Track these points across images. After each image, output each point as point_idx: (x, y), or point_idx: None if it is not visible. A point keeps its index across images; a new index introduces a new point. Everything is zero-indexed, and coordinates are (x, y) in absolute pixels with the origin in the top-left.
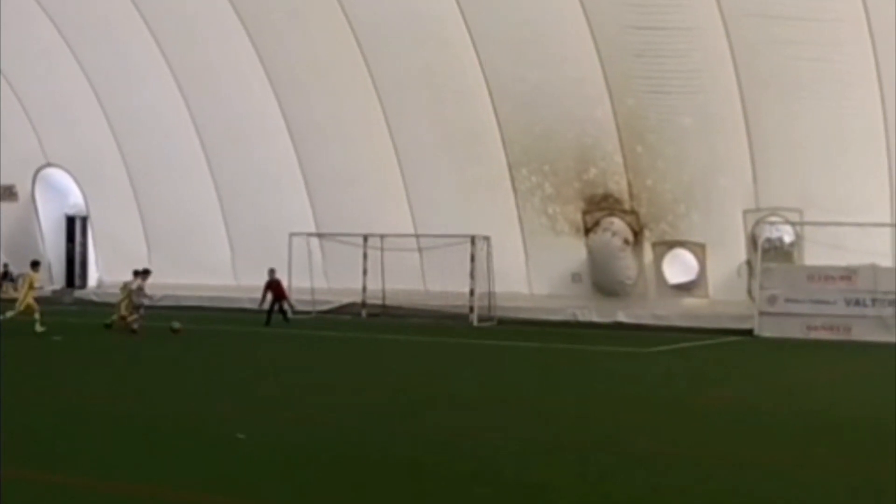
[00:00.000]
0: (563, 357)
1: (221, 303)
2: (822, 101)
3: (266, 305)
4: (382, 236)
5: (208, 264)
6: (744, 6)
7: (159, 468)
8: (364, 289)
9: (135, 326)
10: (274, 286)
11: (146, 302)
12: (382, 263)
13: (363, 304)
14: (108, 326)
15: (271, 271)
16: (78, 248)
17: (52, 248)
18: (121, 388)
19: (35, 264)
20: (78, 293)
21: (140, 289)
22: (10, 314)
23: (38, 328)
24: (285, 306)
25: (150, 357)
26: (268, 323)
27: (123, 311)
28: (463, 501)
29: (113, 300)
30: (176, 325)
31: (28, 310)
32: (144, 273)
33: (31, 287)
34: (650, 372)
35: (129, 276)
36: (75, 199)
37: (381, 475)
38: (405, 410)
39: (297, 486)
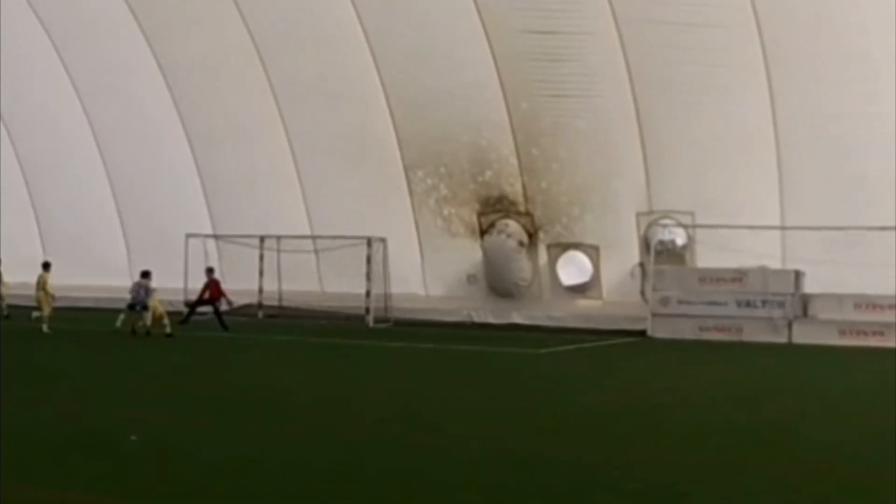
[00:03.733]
0: (456, 358)
1: (118, 304)
2: (713, 106)
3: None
4: (279, 237)
5: (104, 265)
6: (637, 12)
7: (48, 471)
8: (261, 290)
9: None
10: (212, 287)
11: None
12: (279, 265)
13: (260, 306)
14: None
15: (209, 270)
16: None
17: None
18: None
19: (46, 265)
20: None
21: (140, 289)
22: (45, 326)
23: (43, 327)
24: (221, 307)
25: (38, 359)
26: (225, 327)
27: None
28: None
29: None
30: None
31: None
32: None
33: (44, 288)
34: (543, 373)
35: (24, 277)
36: None
37: (266, 476)
38: (294, 412)
39: (187, 487)
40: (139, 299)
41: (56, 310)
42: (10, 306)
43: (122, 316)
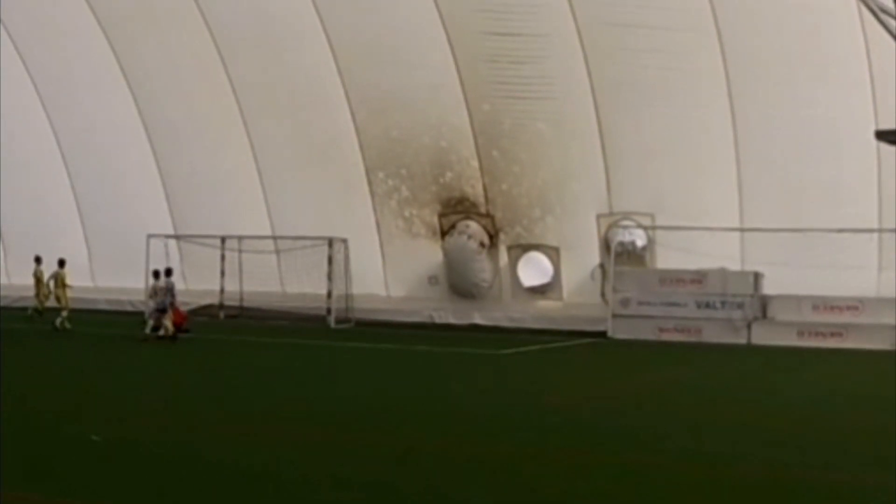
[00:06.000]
0: (417, 359)
1: (79, 304)
2: (673, 109)
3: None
4: (240, 238)
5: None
6: (597, 14)
7: (12, 472)
8: (222, 290)
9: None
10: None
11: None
12: (240, 265)
13: (221, 306)
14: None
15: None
16: None
17: None
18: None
19: (62, 263)
20: None
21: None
22: (62, 319)
23: (66, 324)
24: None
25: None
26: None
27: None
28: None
29: None
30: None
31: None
32: (167, 273)
33: (64, 285)
34: (502, 374)
35: None
36: None
37: (229, 478)
38: (246, 416)
39: (151, 487)
40: (166, 302)
41: (20, 310)
42: None
43: (166, 323)
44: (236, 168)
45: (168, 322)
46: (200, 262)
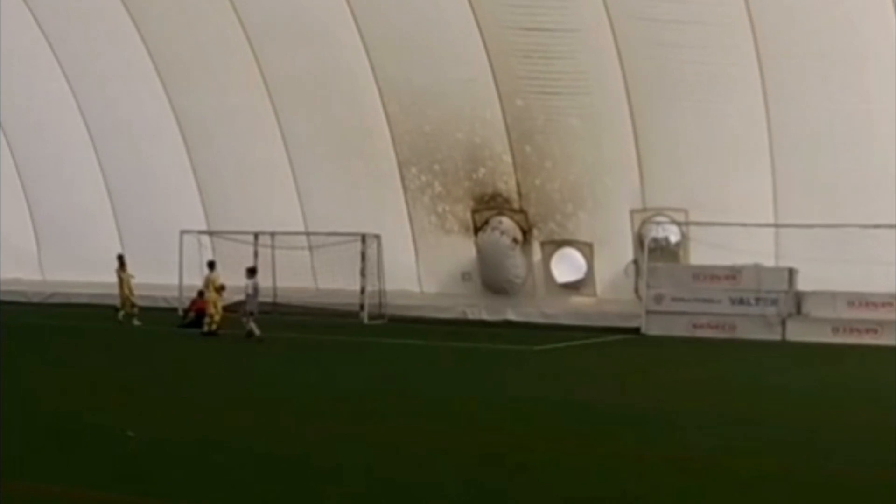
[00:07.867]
0: (450, 355)
1: (111, 300)
2: (707, 103)
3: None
4: (273, 234)
5: (98, 261)
6: (630, 9)
7: (50, 467)
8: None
9: (256, 332)
10: (200, 303)
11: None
12: (273, 261)
13: None
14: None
15: (200, 294)
16: None
17: None
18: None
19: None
20: None
21: (256, 290)
22: (135, 320)
23: (121, 317)
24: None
25: (34, 356)
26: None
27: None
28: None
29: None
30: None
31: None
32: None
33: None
34: (536, 370)
35: (17, 273)
36: None
37: (263, 471)
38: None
39: (188, 482)
40: (254, 302)
41: (53, 306)
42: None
43: (251, 325)
44: (269, 164)
45: (252, 324)
46: (233, 258)
